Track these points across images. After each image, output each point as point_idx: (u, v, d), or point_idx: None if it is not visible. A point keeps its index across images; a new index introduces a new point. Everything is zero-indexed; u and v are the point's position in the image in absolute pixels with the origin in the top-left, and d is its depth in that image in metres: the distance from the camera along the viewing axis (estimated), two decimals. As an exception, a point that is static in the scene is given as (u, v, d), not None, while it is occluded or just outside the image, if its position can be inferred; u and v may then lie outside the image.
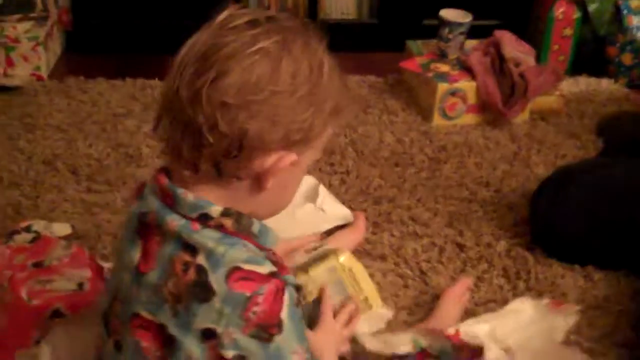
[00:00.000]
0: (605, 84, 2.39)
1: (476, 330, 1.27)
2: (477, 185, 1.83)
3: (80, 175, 1.80)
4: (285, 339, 0.82)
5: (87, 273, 1.33)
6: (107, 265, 1.41)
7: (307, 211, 1.59)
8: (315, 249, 1.37)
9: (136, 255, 0.87)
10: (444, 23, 2.17)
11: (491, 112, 2.09)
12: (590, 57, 2.48)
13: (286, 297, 0.82)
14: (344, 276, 1.28)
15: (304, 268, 1.29)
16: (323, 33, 0.86)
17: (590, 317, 1.41)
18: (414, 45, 2.30)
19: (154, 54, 2.37)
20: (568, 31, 2.41)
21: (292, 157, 0.84)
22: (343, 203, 1.69)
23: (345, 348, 1.21)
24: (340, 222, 1.60)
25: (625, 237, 1.48)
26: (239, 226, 0.85)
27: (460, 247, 1.60)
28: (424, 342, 1.23)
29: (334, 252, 1.32)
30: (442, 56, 2.20)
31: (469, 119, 2.11)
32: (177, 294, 0.82)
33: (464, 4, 2.22)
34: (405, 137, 2.01)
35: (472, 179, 1.85)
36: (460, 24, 2.16)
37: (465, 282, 1.44)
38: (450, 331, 1.24)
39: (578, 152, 1.99)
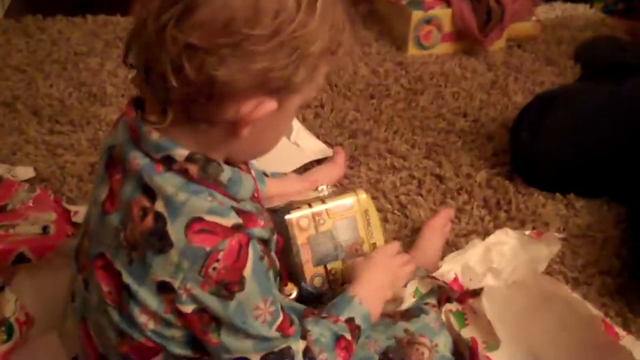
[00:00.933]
0: (581, 9, 2.36)
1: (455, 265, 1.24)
2: (454, 116, 1.78)
3: (42, 116, 1.72)
4: (247, 295, 0.77)
5: (52, 216, 1.27)
6: (73, 208, 1.35)
7: (281, 146, 1.53)
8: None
9: (103, 192, 0.81)
10: (417, -52, 2.09)
11: (467, 40, 2.03)
12: (565, -18, 2.43)
13: (250, 253, 0.76)
14: (359, 215, 1.23)
15: (322, 199, 1.23)
16: None
17: (573, 246, 1.39)
18: (386, -27, 2.23)
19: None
20: (543, -45, 2.35)
21: (271, 105, 0.74)
22: (318, 137, 1.64)
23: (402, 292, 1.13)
24: (317, 157, 1.55)
25: (608, 162, 1.44)
26: (204, 174, 0.76)
27: (440, 178, 1.56)
28: (423, 290, 1.19)
29: (354, 190, 1.26)
30: (415, -17, 2.13)
31: (445, 48, 2.05)
32: (133, 241, 0.76)
33: None
34: (379, 68, 1.95)
35: (450, 109, 1.81)
36: (434, -51, 2.09)
37: (446, 213, 1.40)
38: (450, 276, 1.20)
39: (556, 78, 1.95)
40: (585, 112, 1.48)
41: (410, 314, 1.08)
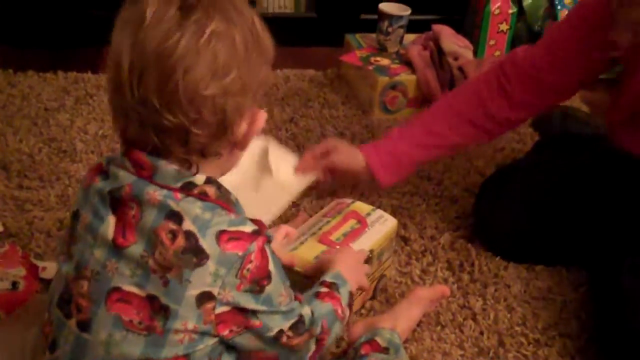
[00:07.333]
0: (541, 79, 2.43)
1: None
2: (419, 179, 1.82)
3: (11, 171, 1.72)
4: (274, 286, 0.89)
5: (21, 272, 1.28)
6: (41, 264, 1.35)
7: (267, 189, 1.50)
8: None
9: (108, 230, 0.87)
10: (384, 16, 2.16)
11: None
12: (525, 52, 2.51)
13: (268, 251, 0.88)
14: None
15: None
16: None
17: (534, 308, 1.43)
18: (353, 39, 2.29)
19: (86, 46, 2.33)
20: (504, 26, 2.44)
21: (264, 113, 0.92)
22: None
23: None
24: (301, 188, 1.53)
25: (563, 234, 1.50)
26: (220, 194, 0.88)
27: (405, 240, 1.59)
28: None
29: None
30: (381, 50, 2.20)
31: (410, 112, 2.10)
32: (166, 263, 0.83)
33: (402, -2, 2.23)
34: (346, 130, 2.00)
35: (414, 172, 1.85)
36: (400, 17, 2.16)
37: (442, 290, 1.38)
38: None
39: (516, 145, 2.01)
40: (540, 187, 1.54)
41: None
